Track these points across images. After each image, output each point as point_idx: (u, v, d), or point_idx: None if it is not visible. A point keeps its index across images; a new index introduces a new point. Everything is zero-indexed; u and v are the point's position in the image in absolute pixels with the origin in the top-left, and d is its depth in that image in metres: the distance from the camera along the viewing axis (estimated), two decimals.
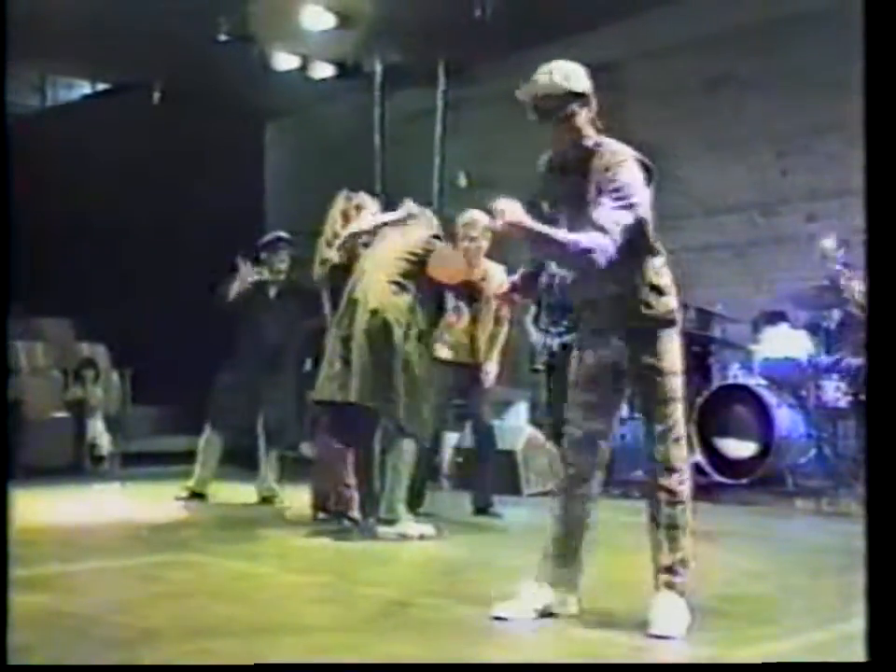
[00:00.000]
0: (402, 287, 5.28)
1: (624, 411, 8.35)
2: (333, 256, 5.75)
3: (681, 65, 8.88)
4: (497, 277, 6.00)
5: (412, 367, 5.20)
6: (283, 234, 7.08)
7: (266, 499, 6.78)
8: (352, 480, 5.71)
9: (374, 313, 5.17)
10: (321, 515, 5.76)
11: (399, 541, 5.10)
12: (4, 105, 3.09)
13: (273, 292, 6.93)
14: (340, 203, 5.95)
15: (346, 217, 5.90)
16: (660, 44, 9.00)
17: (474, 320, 6.06)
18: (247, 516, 6.24)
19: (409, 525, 5.20)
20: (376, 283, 5.25)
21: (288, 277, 6.95)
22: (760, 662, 2.83)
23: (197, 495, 6.81)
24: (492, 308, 6.13)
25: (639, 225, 3.31)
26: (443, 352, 6.17)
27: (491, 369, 6.19)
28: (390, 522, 5.19)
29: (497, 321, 6.22)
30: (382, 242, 5.49)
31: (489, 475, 6.30)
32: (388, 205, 6.04)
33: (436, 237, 5.51)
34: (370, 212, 5.93)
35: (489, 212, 3.25)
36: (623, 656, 3.02)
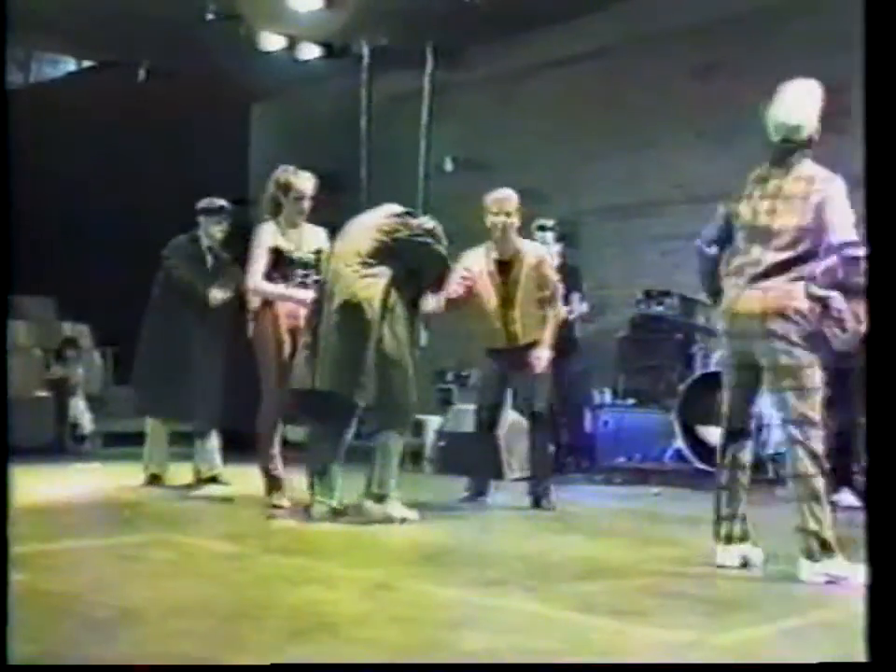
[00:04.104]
0: (372, 271, 5.13)
1: (608, 397, 8.43)
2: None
3: (671, 52, 8.87)
4: (531, 255, 5.83)
5: (386, 352, 5.10)
6: (223, 202, 6.70)
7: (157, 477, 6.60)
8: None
9: (344, 300, 5.08)
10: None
11: (381, 523, 5.09)
12: (3, 90, 3.06)
13: (210, 262, 6.58)
14: (273, 179, 5.74)
15: (276, 200, 5.65)
16: (649, 31, 8.99)
17: (505, 302, 5.78)
18: (230, 497, 6.22)
19: (395, 505, 5.19)
20: (344, 271, 5.14)
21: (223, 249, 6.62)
22: (760, 662, 2.82)
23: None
24: (531, 289, 5.78)
25: None
26: (482, 339, 5.99)
27: (542, 353, 5.78)
28: (380, 498, 5.17)
29: (544, 301, 5.82)
30: (345, 237, 5.34)
31: (544, 465, 6.02)
32: (370, 195, 5.87)
33: (408, 213, 5.36)
34: (299, 188, 5.65)
35: None
36: (606, 642, 3.02)
